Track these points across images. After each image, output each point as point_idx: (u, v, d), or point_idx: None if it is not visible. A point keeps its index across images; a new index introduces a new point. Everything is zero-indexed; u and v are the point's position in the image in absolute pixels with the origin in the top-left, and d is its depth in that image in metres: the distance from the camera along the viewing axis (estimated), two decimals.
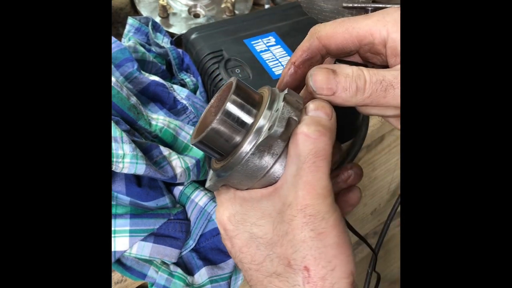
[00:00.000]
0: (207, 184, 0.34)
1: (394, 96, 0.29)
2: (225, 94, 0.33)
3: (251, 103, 0.31)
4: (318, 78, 0.29)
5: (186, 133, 0.46)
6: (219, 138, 0.31)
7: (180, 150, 0.45)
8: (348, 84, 0.29)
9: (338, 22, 0.32)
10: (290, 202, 0.27)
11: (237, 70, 0.51)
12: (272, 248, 0.28)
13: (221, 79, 0.50)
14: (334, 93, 0.29)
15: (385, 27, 0.30)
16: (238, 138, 0.31)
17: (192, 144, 0.32)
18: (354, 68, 0.29)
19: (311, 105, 0.29)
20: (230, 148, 0.31)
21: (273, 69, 0.51)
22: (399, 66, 0.29)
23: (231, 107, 0.30)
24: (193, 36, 0.56)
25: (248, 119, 0.31)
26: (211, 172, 0.36)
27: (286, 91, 0.31)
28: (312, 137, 0.27)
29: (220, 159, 0.33)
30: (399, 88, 0.28)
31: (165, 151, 0.42)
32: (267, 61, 0.52)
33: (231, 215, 0.31)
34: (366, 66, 0.31)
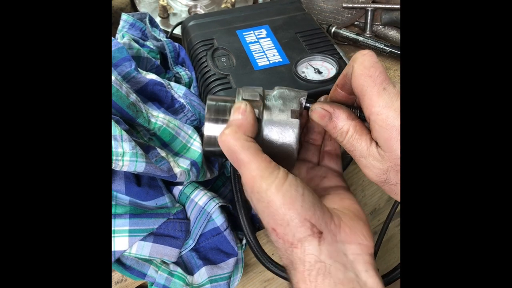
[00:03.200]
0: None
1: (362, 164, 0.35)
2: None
3: (224, 108, 0.38)
4: (315, 116, 0.37)
5: (185, 133, 0.46)
6: (215, 145, 0.37)
7: (177, 149, 0.45)
8: (332, 132, 0.37)
9: (370, 72, 0.34)
10: (245, 188, 0.34)
11: (223, 59, 0.52)
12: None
13: (206, 66, 0.51)
14: (326, 128, 0.37)
15: (391, 112, 0.33)
16: None
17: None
18: (345, 125, 0.36)
19: (232, 111, 0.36)
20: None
21: (257, 61, 0.52)
22: (372, 151, 0.34)
23: (207, 126, 0.38)
24: (190, 23, 0.57)
25: (225, 119, 0.38)
26: None
27: (249, 88, 0.38)
28: (221, 141, 0.34)
29: None
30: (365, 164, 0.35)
31: (162, 152, 0.42)
32: (253, 52, 0.53)
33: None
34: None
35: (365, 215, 0.37)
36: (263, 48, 0.53)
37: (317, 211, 0.32)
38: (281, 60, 0.52)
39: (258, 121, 0.36)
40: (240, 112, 0.35)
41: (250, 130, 0.35)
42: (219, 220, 0.43)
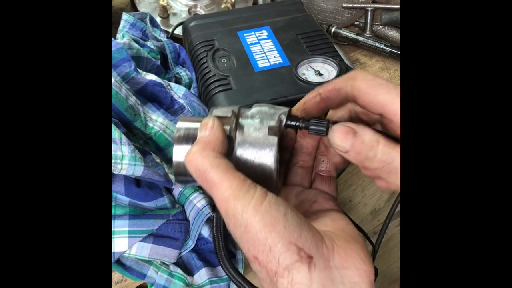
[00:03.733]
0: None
1: (395, 180, 0.31)
2: None
3: (192, 138, 0.34)
4: (336, 135, 0.32)
5: None
6: (186, 174, 0.33)
7: (170, 156, 0.45)
8: (360, 150, 0.31)
9: (377, 82, 0.32)
10: (220, 212, 0.30)
11: (223, 60, 0.52)
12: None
13: (206, 67, 0.51)
14: (347, 152, 0.32)
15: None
16: None
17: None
18: (373, 136, 0.31)
19: (199, 128, 0.33)
20: None
21: (258, 62, 0.52)
22: None
23: (175, 150, 0.34)
24: (191, 24, 0.57)
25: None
26: None
27: (222, 108, 0.34)
28: (188, 161, 0.31)
29: None
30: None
31: (157, 158, 0.42)
32: (254, 54, 0.53)
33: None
34: (386, 133, 0.32)
35: (361, 237, 0.32)
36: (264, 50, 0.53)
37: (304, 232, 0.28)
38: (281, 61, 0.52)
39: (230, 139, 0.33)
40: (207, 128, 0.32)
41: (219, 146, 0.31)
42: None
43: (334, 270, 0.28)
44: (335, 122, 0.33)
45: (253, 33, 0.56)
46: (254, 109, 0.35)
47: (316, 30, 0.57)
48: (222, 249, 0.36)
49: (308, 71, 0.51)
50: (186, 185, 0.44)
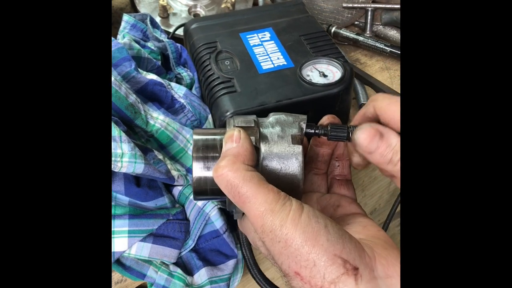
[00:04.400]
0: (236, 217, 0.37)
1: None
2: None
3: (213, 142, 0.33)
4: (362, 135, 0.31)
5: (183, 137, 0.46)
6: (205, 185, 0.33)
7: (174, 152, 0.45)
8: (386, 153, 0.31)
9: (396, 99, 0.33)
10: (254, 228, 0.29)
11: (227, 62, 0.52)
12: (274, 263, 0.30)
13: (209, 69, 0.51)
14: (371, 153, 0.31)
15: None
16: None
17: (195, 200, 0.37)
18: (399, 139, 0.31)
19: (223, 141, 0.32)
20: (218, 187, 0.33)
21: (261, 64, 0.51)
22: None
23: (196, 166, 0.33)
24: (193, 26, 0.57)
25: (215, 156, 0.33)
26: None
27: (240, 118, 0.34)
28: (217, 176, 0.30)
29: (223, 199, 0.35)
30: None
31: (159, 155, 0.42)
32: (257, 56, 0.52)
33: (251, 239, 0.35)
34: None
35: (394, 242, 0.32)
36: (267, 51, 0.53)
37: (346, 243, 0.27)
38: (285, 63, 0.52)
39: (256, 150, 0.32)
40: (233, 140, 0.31)
41: (250, 158, 0.31)
42: (218, 223, 0.43)
43: (379, 280, 0.27)
44: (355, 127, 0.33)
45: (255, 34, 0.55)
46: (272, 118, 0.34)
47: (319, 31, 0.56)
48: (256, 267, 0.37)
49: (312, 73, 0.51)
50: (205, 200, 0.43)
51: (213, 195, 0.33)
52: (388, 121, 0.33)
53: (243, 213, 0.35)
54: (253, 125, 0.33)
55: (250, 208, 0.28)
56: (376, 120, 0.34)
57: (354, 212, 0.36)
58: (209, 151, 0.33)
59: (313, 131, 0.34)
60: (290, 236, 0.27)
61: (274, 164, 0.32)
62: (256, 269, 0.38)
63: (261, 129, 0.33)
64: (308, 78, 0.50)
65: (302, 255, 0.27)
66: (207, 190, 0.33)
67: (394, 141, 0.31)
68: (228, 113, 0.45)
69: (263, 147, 0.32)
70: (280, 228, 0.27)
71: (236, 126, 0.33)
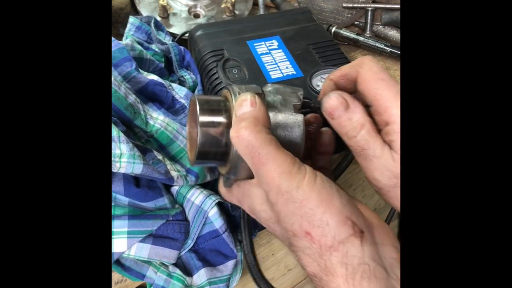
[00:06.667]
0: (222, 190, 0.37)
1: (367, 165, 0.33)
2: (194, 110, 0.35)
3: (218, 106, 0.34)
4: (330, 101, 0.34)
5: (184, 137, 0.46)
6: (210, 147, 0.33)
7: (174, 153, 0.45)
8: (345, 125, 0.33)
9: (381, 76, 0.33)
10: (267, 190, 0.30)
11: (234, 71, 0.51)
12: (279, 225, 0.31)
13: (217, 78, 0.50)
14: (333, 119, 0.34)
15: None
16: (224, 139, 0.34)
17: (192, 165, 0.35)
18: (361, 119, 0.33)
19: (236, 104, 0.32)
20: (223, 150, 0.34)
21: (270, 73, 0.51)
22: (386, 152, 0.33)
23: (203, 117, 0.33)
24: (198, 33, 0.56)
25: (223, 119, 0.34)
26: (221, 177, 0.39)
27: (244, 86, 0.34)
28: (238, 136, 0.30)
29: (221, 164, 0.36)
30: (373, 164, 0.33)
31: (159, 155, 0.42)
32: (265, 64, 0.51)
33: (249, 205, 0.35)
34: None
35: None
36: (276, 60, 0.52)
37: (354, 208, 0.29)
38: (294, 72, 0.51)
39: None
40: (249, 104, 0.31)
41: (268, 122, 0.31)
42: (217, 222, 0.43)
43: (378, 245, 0.29)
44: None
45: (263, 42, 0.54)
46: (272, 88, 0.36)
47: (327, 40, 0.55)
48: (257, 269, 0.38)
49: (322, 83, 0.50)
50: (202, 165, 0.43)
51: (215, 159, 0.34)
52: (364, 93, 0.34)
53: (236, 180, 0.36)
54: (261, 92, 0.34)
55: (268, 169, 0.29)
56: (353, 83, 0.36)
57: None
58: (215, 114, 0.34)
59: (310, 101, 0.37)
60: (306, 197, 0.28)
61: (278, 131, 0.34)
62: (257, 268, 0.39)
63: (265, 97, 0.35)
64: (318, 88, 0.49)
65: (317, 214, 0.28)
66: (211, 152, 0.34)
67: (356, 116, 0.33)
68: None
69: (270, 114, 0.33)
70: (297, 189, 0.28)
71: (245, 92, 0.33)
